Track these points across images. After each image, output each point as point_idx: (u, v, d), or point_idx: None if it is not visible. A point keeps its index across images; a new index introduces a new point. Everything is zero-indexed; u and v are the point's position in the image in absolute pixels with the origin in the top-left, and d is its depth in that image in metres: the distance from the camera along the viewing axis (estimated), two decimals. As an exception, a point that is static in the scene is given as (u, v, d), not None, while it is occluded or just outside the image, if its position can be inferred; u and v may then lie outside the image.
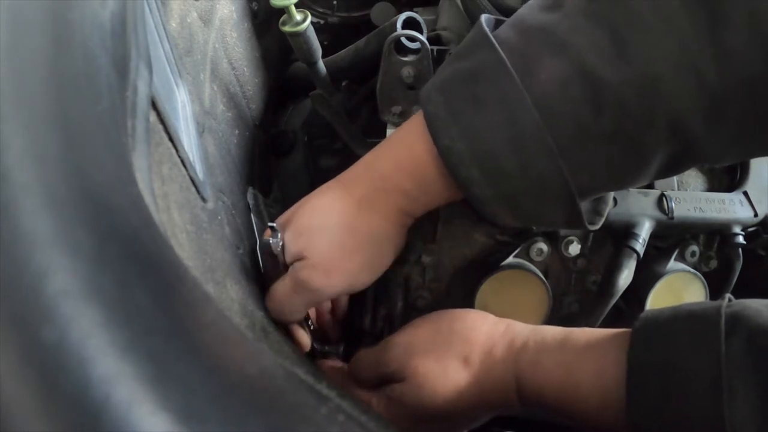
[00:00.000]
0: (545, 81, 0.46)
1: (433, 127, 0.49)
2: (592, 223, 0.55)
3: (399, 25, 0.62)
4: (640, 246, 0.65)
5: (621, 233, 0.66)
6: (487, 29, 0.49)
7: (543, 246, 0.65)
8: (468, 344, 0.54)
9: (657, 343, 0.45)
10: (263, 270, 0.57)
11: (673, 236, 0.71)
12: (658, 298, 0.68)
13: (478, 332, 0.55)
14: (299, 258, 0.52)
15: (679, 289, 0.69)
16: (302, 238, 0.52)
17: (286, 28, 0.59)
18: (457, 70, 0.50)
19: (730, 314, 0.44)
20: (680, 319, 0.46)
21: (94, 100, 0.23)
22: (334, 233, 0.52)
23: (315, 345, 0.63)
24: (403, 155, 0.52)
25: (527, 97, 0.45)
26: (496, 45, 0.47)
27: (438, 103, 0.49)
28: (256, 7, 0.77)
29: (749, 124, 0.45)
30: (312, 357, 0.62)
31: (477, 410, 0.54)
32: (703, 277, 0.70)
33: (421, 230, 0.64)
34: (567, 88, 0.45)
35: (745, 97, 0.43)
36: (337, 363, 0.60)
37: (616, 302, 0.67)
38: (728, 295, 0.47)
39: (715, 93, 0.43)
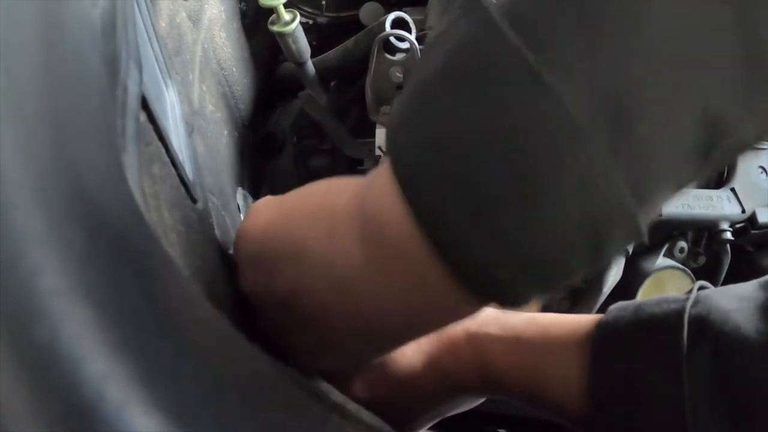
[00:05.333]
0: (646, 138, 0.27)
1: (447, 238, 0.29)
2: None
3: (388, 24, 0.62)
4: (629, 243, 0.65)
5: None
6: (506, 28, 0.27)
7: (533, 244, 0.65)
8: None
9: (617, 361, 0.42)
10: None
11: (661, 233, 0.71)
12: (647, 295, 0.68)
13: None
14: None
15: (667, 285, 0.69)
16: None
17: (275, 28, 0.59)
18: (468, 118, 0.28)
19: (694, 320, 0.40)
20: (641, 328, 0.43)
21: (84, 99, 0.22)
22: None
23: None
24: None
25: (621, 177, 0.27)
26: (546, 76, 0.26)
27: (443, 192, 0.29)
28: (244, 8, 0.77)
29: None
30: None
31: (434, 383, 0.51)
32: (691, 273, 0.70)
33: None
34: (681, 143, 0.28)
35: None
36: None
37: (607, 299, 0.68)
38: (699, 284, 0.46)
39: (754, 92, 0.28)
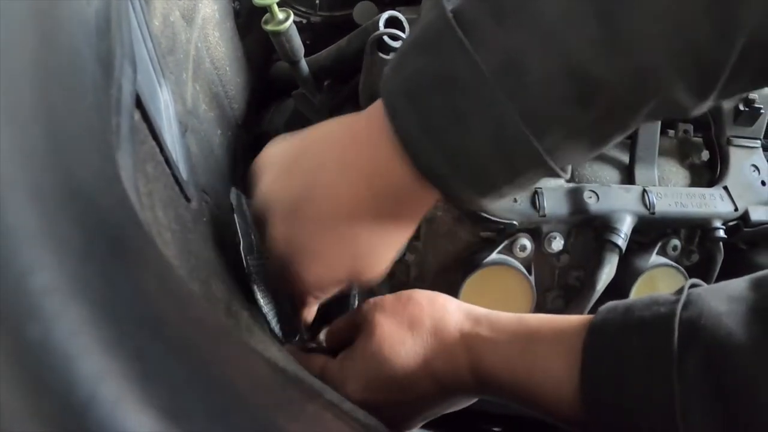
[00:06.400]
0: (530, 84, 0.40)
1: (410, 147, 0.44)
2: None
3: (381, 23, 0.62)
4: (622, 241, 0.66)
5: (603, 229, 0.67)
6: (449, 12, 0.42)
7: (526, 242, 0.66)
8: (418, 308, 0.54)
9: (607, 363, 0.43)
10: (247, 270, 0.57)
11: (654, 231, 0.71)
12: (641, 293, 0.69)
13: (430, 301, 0.55)
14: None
15: (660, 283, 0.70)
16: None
17: (269, 27, 0.59)
18: (424, 71, 0.43)
19: (684, 323, 0.41)
20: (630, 330, 0.43)
21: (79, 97, 0.22)
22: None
23: (302, 340, 0.63)
24: (372, 156, 0.47)
25: (512, 107, 0.41)
26: (468, 45, 0.41)
27: (410, 118, 0.43)
28: (238, 7, 0.77)
29: (738, 77, 0.41)
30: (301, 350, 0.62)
31: (427, 383, 0.52)
32: (685, 271, 0.70)
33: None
34: (555, 87, 0.40)
35: (741, 60, 0.40)
36: (322, 358, 0.60)
37: (600, 296, 0.68)
38: (691, 282, 0.46)
39: (712, 67, 0.40)
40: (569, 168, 0.50)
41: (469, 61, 0.41)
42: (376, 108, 0.47)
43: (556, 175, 0.46)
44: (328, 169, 0.49)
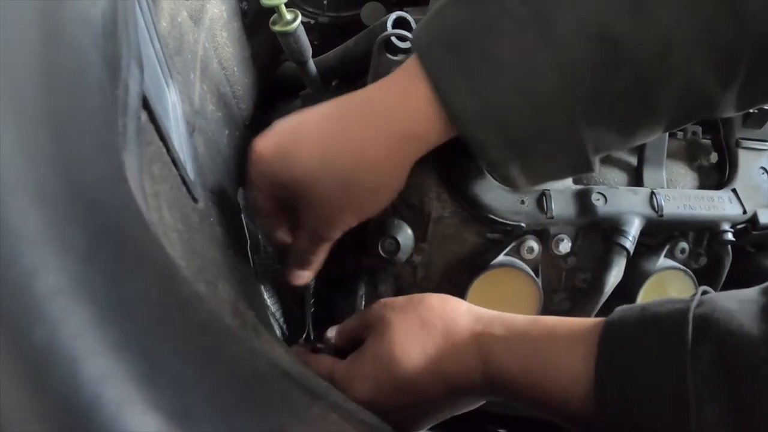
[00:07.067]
0: (561, 38, 0.44)
1: (442, 90, 0.48)
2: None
3: (389, 24, 0.62)
4: (630, 243, 0.65)
5: (611, 231, 0.67)
6: None
7: (533, 244, 0.65)
8: (429, 310, 0.54)
9: (622, 355, 0.43)
10: (254, 269, 0.57)
11: (662, 234, 0.71)
12: (648, 296, 0.68)
13: (442, 303, 0.55)
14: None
15: (668, 286, 0.69)
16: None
17: (277, 28, 0.59)
18: (460, 20, 0.47)
19: (698, 318, 0.42)
20: (646, 325, 0.44)
21: (84, 99, 0.22)
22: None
23: (309, 340, 0.63)
24: (401, 104, 0.50)
25: (544, 55, 0.44)
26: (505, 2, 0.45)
27: (444, 62, 0.47)
28: (245, 7, 0.77)
29: (758, 76, 0.45)
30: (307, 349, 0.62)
31: (438, 386, 0.52)
32: (692, 274, 0.70)
33: (412, 229, 0.64)
34: (584, 46, 0.44)
35: (758, 53, 0.43)
36: (330, 359, 0.60)
37: (608, 299, 0.68)
38: (702, 288, 0.46)
39: (730, 49, 0.44)
40: (596, 161, 0.52)
41: (504, 10, 0.45)
42: (407, 63, 0.51)
43: (581, 152, 0.49)
44: (358, 127, 0.52)
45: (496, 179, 0.56)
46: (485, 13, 0.46)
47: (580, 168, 0.52)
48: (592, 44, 0.44)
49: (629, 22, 0.43)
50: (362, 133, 0.51)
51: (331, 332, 0.60)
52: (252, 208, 0.58)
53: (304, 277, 0.59)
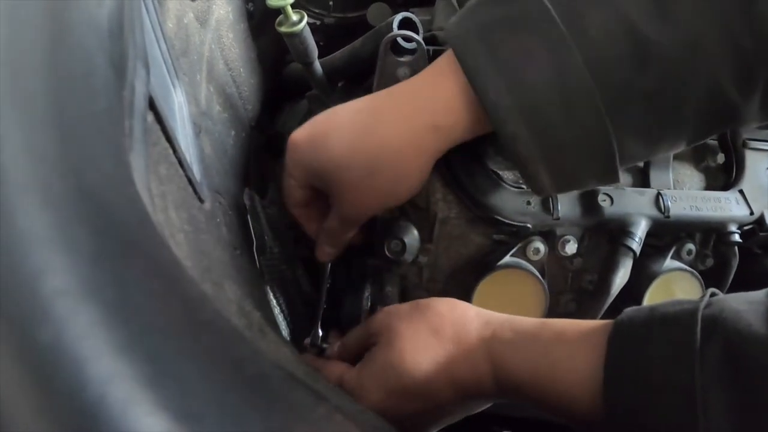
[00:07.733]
0: (593, 35, 0.46)
1: (476, 80, 0.49)
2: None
3: (395, 25, 0.62)
4: (636, 245, 0.65)
5: (617, 232, 0.67)
6: None
7: (540, 245, 0.65)
8: (439, 317, 0.54)
9: (631, 353, 0.44)
10: (260, 270, 0.57)
11: (669, 235, 0.71)
12: (655, 297, 0.68)
13: (451, 308, 0.55)
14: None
15: (675, 287, 0.69)
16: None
17: (283, 29, 0.59)
18: (496, 15, 0.49)
19: (706, 318, 0.42)
20: (655, 323, 0.44)
21: (91, 100, 0.22)
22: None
23: (316, 340, 0.63)
24: (430, 95, 0.52)
25: (577, 52, 0.46)
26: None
27: (479, 53, 0.48)
28: (251, 8, 0.77)
29: None
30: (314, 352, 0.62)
31: (449, 392, 0.52)
32: (699, 276, 0.70)
33: (418, 230, 0.64)
34: (614, 43, 0.46)
35: None
36: (340, 366, 0.60)
37: (614, 301, 0.67)
38: (711, 290, 0.46)
39: (748, 56, 0.45)
40: (620, 172, 0.53)
41: (538, 7, 0.47)
42: (440, 58, 0.53)
43: (609, 157, 0.49)
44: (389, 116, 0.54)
45: (524, 182, 0.57)
46: (520, 10, 0.48)
47: (606, 175, 0.51)
48: (622, 41, 0.46)
49: (654, 22, 0.45)
50: (388, 123, 0.53)
51: (334, 346, 0.60)
52: (285, 198, 0.61)
53: (331, 254, 0.62)
